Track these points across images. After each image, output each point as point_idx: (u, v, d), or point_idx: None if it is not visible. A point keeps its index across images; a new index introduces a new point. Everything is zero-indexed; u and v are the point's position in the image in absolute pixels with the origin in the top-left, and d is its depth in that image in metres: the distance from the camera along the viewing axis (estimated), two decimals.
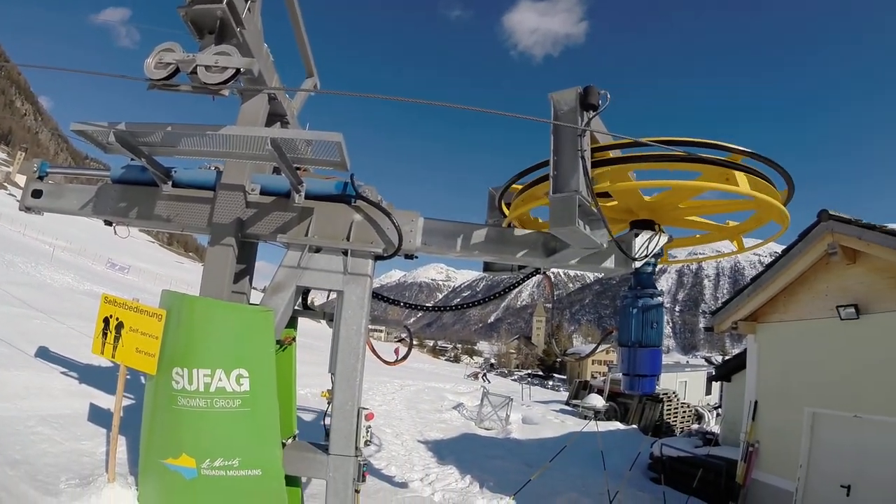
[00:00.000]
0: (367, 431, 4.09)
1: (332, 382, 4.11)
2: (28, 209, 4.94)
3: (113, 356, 4.28)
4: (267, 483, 3.80)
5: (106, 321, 4.32)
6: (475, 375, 49.88)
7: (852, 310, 7.96)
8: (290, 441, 4.28)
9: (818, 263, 8.81)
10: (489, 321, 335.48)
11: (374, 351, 4.72)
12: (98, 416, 6.52)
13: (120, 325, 4.18)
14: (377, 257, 4.18)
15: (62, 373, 8.06)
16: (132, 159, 3.97)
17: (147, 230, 68.28)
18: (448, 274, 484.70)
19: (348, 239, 4.14)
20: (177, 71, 3.55)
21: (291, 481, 4.11)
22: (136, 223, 4.67)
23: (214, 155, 3.99)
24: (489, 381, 42.99)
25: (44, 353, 8.79)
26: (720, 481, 10.37)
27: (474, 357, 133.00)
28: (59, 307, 14.43)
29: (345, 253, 4.11)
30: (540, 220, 5.14)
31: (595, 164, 3.64)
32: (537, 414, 20.64)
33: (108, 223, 4.81)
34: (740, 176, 3.65)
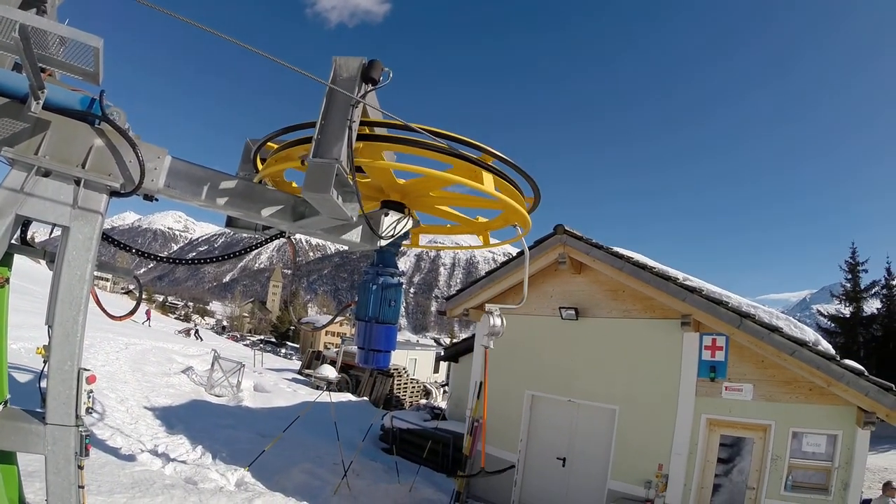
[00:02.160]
0: (89, 397, 3.43)
1: (49, 337, 3.37)
2: None
3: None
4: None
5: None
6: (186, 332, 46.44)
7: (573, 312, 9.54)
8: (0, 408, 3.39)
9: (548, 269, 10.24)
10: (224, 281, 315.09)
11: (98, 302, 4.07)
12: None
13: None
14: (114, 193, 3.54)
15: None
16: None
17: None
18: (187, 224, 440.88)
19: (84, 166, 3.40)
20: None
21: (6, 458, 3.28)
22: None
23: None
24: (201, 339, 40.78)
25: None
26: (448, 452, 11.52)
27: (206, 318, 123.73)
28: None
29: (77, 182, 3.38)
30: (294, 184, 4.93)
31: (358, 138, 3.59)
32: (269, 382, 20.25)
33: None
34: (488, 177, 3.92)
